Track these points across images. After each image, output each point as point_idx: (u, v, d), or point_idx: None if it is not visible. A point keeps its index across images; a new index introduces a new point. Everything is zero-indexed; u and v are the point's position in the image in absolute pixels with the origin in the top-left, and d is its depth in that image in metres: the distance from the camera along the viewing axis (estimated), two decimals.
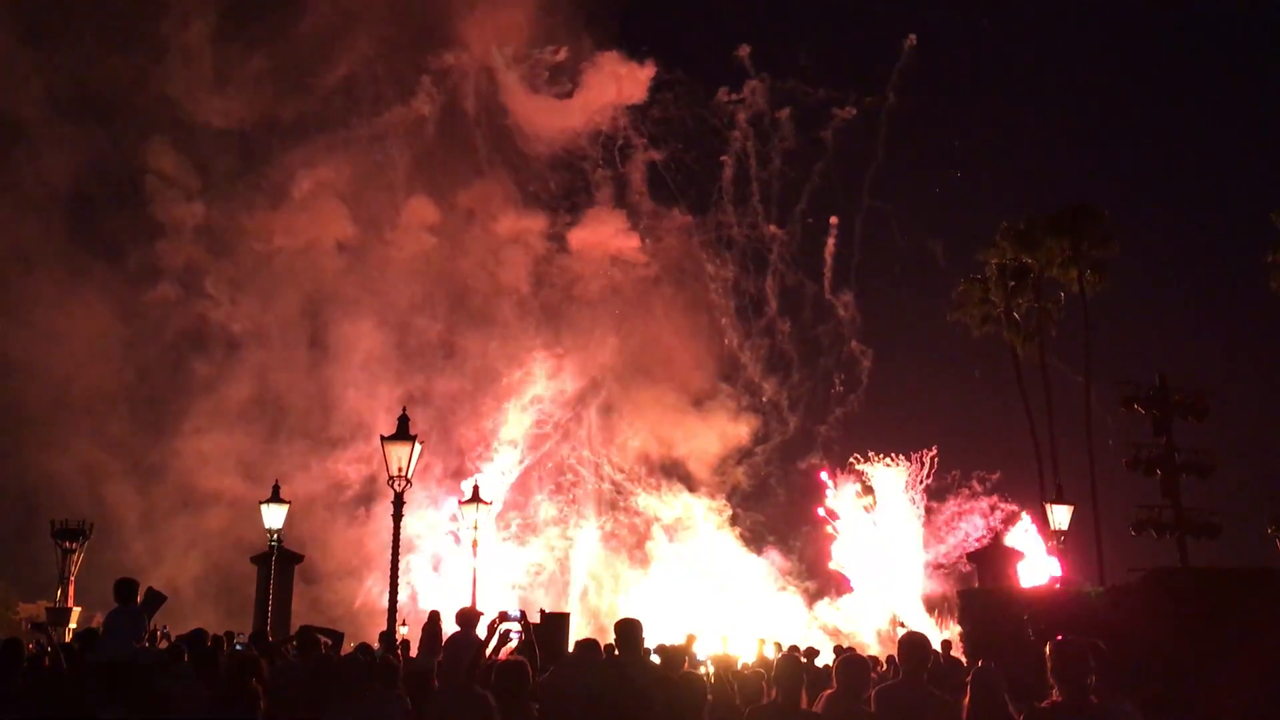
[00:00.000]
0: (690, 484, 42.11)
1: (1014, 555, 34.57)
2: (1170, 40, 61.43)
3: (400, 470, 15.80)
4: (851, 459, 39.99)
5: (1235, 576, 23.19)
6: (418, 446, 16.26)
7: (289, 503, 22.39)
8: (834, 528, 39.77)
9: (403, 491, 15.80)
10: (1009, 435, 39.48)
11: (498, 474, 40.09)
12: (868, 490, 39.64)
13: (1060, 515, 26.66)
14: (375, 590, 38.40)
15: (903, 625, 35.62)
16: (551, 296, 44.48)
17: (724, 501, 41.72)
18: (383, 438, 16.27)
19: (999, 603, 25.40)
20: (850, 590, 38.89)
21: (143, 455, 40.22)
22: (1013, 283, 39.51)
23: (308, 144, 43.66)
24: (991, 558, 33.77)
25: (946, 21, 52.54)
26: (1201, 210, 58.86)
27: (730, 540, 40.88)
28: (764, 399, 44.38)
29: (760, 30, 47.65)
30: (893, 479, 39.47)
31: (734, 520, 41.42)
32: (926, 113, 50.52)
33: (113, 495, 38.19)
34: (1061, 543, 27.36)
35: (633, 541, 41.41)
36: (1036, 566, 35.13)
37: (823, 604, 39.05)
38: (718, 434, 42.51)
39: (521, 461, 41.69)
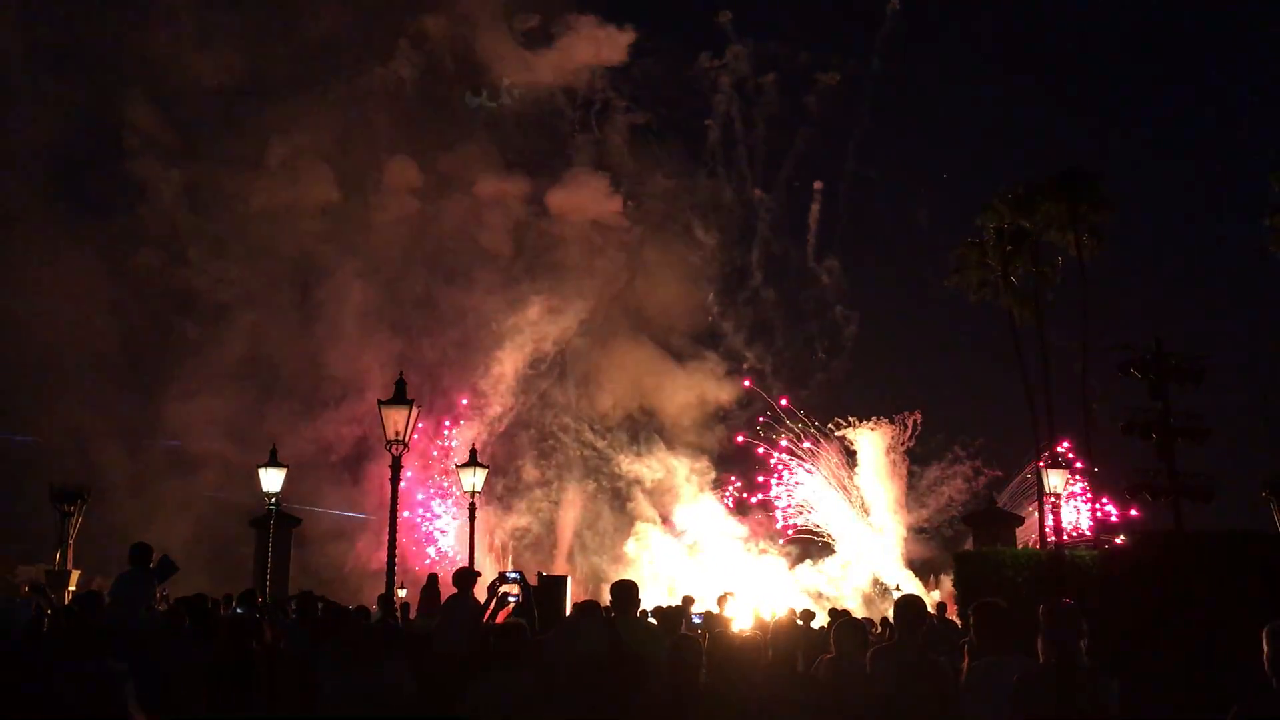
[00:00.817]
0: (671, 444, 42.21)
1: (1009, 518, 34.85)
2: (1168, 2, 60.96)
3: (398, 434, 15.79)
4: (832, 423, 40.19)
5: (1223, 540, 23.41)
6: (415, 410, 16.23)
7: (286, 466, 22.36)
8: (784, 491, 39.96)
9: (400, 455, 15.80)
10: (1001, 399, 39.65)
11: (482, 435, 40.29)
12: (848, 454, 39.81)
13: (1055, 479, 26.79)
14: (365, 553, 38.75)
15: (886, 587, 35.83)
16: (533, 258, 44.31)
17: (706, 463, 41.84)
18: (380, 402, 16.22)
19: (993, 565, 25.65)
20: (833, 553, 39.03)
21: (131, 417, 40.32)
22: (1010, 247, 39.38)
23: (289, 105, 43.43)
24: (986, 520, 34.06)
25: None
26: (1199, 173, 58.76)
27: (712, 502, 41.01)
28: (745, 365, 44.41)
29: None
30: (876, 442, 39.60)
31: (716, 483, 41.59)
32: (913, 79, 50.36)
33: (101, 457, 38.25)
34: (1054, 506, 27.51)
35: (616, 505, 41.62)
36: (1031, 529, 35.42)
37: (804, 566, 39.20)
38: (698, 395, 42.61)
39: (503, 420, 41.80)
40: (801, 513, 39.53)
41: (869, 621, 20.35)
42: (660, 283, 43.93)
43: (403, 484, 16.49)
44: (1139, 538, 26.38)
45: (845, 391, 42.80)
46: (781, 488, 40.16)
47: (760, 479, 40.58)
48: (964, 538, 39.11)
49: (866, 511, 39.42)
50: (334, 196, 43.32)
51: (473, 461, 23.91)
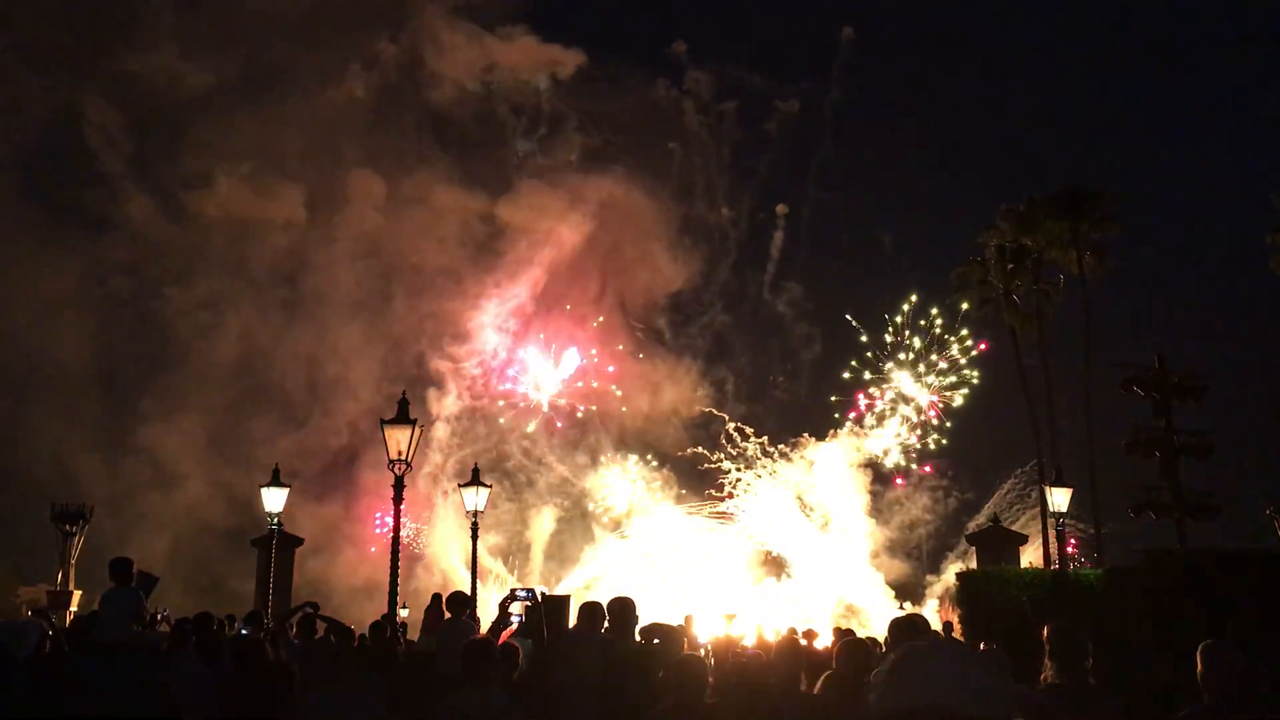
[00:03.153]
0: (641, 452, 42.36)
1: (1013, 537, 34.72)
2: (1170, 20, 61.23)
3: (400, 454, 15.80)
4: (790, 442, 40.41)
5: (1232, 559, 23.30)
6: (418, 430, 16.25)
7: (289, 485, 22.37)
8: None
9: (403, 475, 15.81)
10: (1004, 419, 39.65)
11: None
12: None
13: (1060, 498, 26.70)
14: (348, 567, 38.77)
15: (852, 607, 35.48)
16: (490, 274, 44.31)
17: (667, 472, 41.84)
18: (382, 421, 16.24)
19: (998, 585, 25.52)
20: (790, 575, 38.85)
21: (109, 432, 40.54)
22: (1012, 265, 39.47)
23: (249, 116, 43.71)
24: (990, 539, 33.91)
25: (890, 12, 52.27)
26: (1201, 191, 58.83)
27: (678, 516, 40.91)
28: (711, 381, 44.55)
29: (695, 28, 47.58)
30: (838, 455, 39.63)
31: (679, 500, 41.57)
32: (876, 103, 50.84)
33: (80, 473, 38.51)
34: (1061, 525, 27.41)
35: (583, 525, 41.66)
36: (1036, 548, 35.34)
37: (769, 582, 39.06)
38: (661, 405, 42.77)
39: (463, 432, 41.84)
40: (753, 538, 39.55)
41: (873, 641, 20.25)
42: (620, 300, 44.24)
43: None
44: (1144, 556, 26.24)
45: (809, 412, 42.92)
46: (735, 503, 40.36)
47: (715, 493, 40.82)
48: (940, 556, 39.35)
49: (827, 528, 39.59)
50: (298, 211, 43.64)
51: (475, 480, 23.88)
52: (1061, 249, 39.29)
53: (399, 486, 15.70)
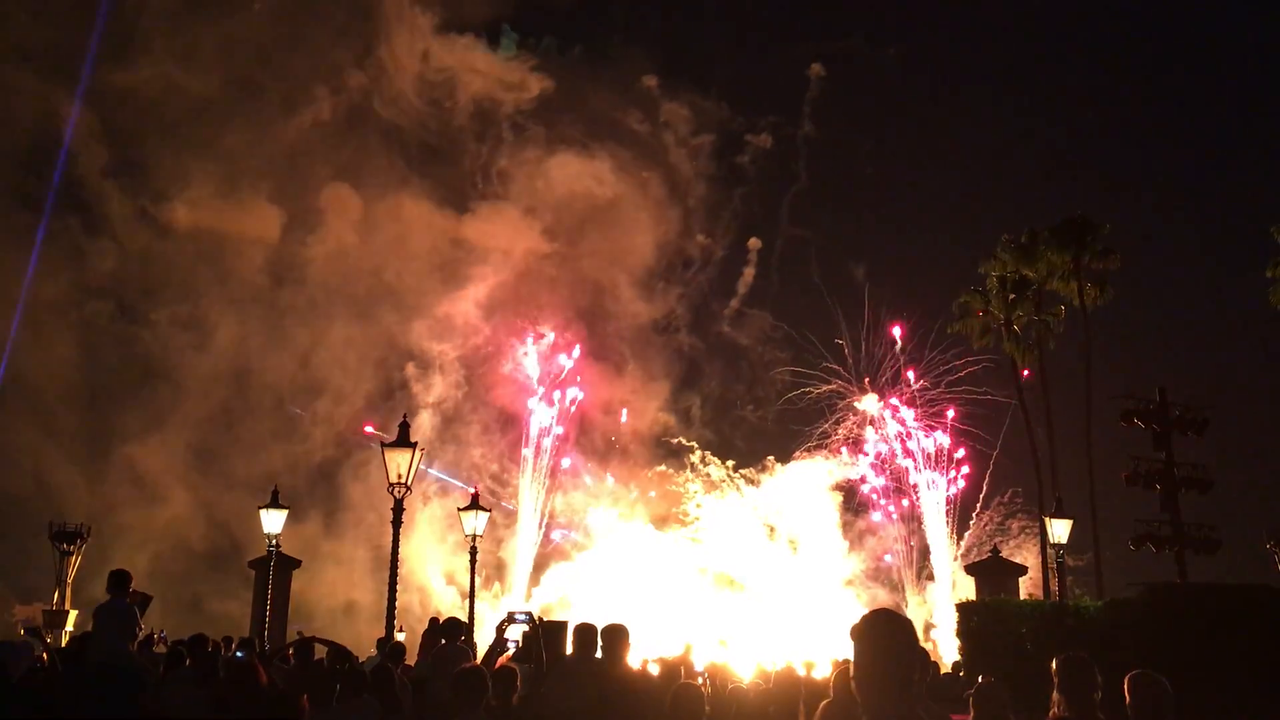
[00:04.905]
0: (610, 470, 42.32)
1: (1013, 568, 34.59)
2: (1171, 53, 61.64)
3: (400, 477, 15.79)
4: (759, 464, 40.57)
5: (1234, 593, 23.19)
6: (419, 453, 16.25)
7: (288, 508, 22.34)
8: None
9: (403, 498, 15.78)
10: (1010, 449, 39.49)
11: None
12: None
13: (1060, 529, 26.65)
14: (333, 584, 38.66)
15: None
16: (462, 293, 44.28)
17: (639, 499, 41.72)
18: (383, 444, 16.28)
19: (998, 616, 25.40)
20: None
21: (89, 447, 40.60)
22: (1013, 295, 39.58)
23: (230, 132, 44.10)
24: (990, 570, 33.79)
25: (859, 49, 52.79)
26: (1201, 224, 59.00)
27: (649, 538, 40.81)
28: (677, 408, 44.59)
29: (665, 64, 47.88)
30: (809, 475, 39.67)
31: (648, 516, 41.52)
32: (850, 137, 51.31)
33: (59, 488, 38.54)
34: (1061, 556, 27.33)
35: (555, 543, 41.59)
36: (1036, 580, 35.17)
37: (738, 604, 38.89)
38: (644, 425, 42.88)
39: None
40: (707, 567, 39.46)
41: None
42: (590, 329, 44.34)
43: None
44: (1144, 589, 26.13)
45: (779, 438, 42.94)
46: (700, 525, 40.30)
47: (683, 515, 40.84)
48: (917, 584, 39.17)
49: (795, 551, 39.49)
50: (276, 227, 43.82)
51: (474, 505, 23.86)
52: (1063, 280, 39.38)
53: (398, 510, 15.69)
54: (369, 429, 41.35)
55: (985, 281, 40.31)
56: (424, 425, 39.98)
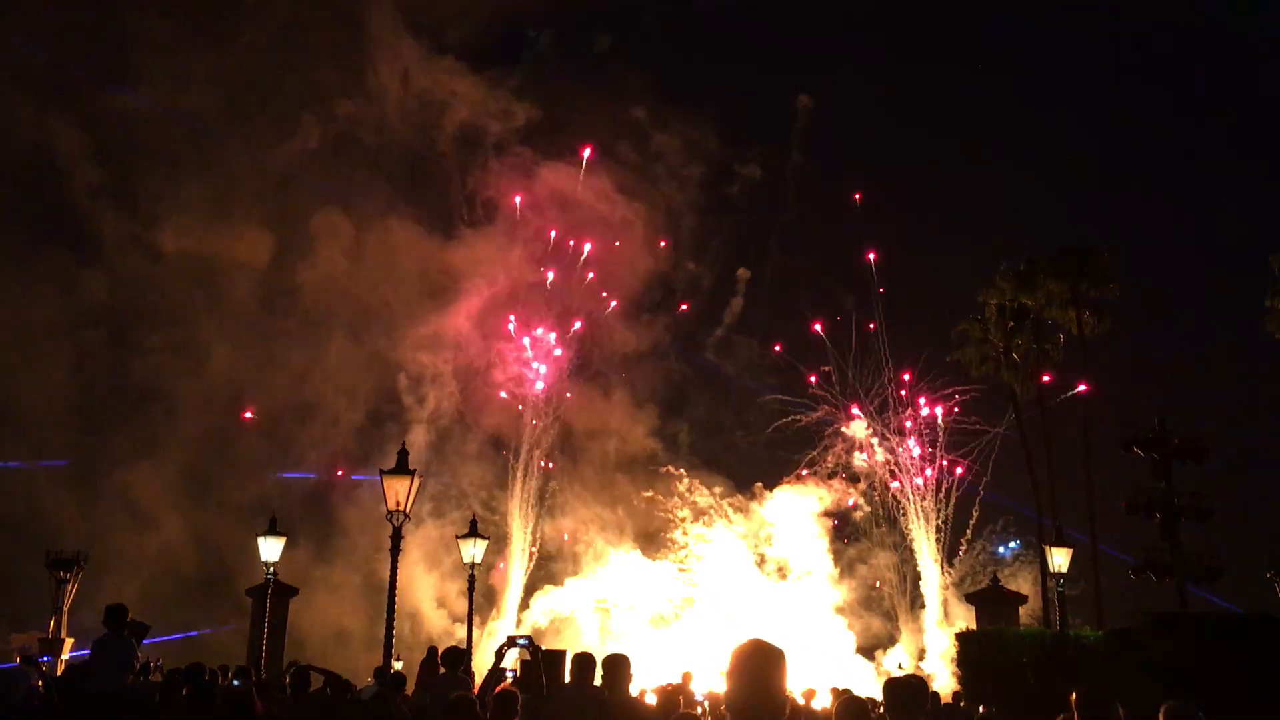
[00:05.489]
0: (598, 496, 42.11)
1: (1012, 597, 34.43)
2: (1168, 85, 62.08)
3: (399, 505, 15.73)
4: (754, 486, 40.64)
5: (1235, 622, 23.14)
6: (417, 480, 16.19)
7: (285, 535, 22.24)
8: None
9: (400, 525, 15.72)
10: (1014, 477, 39.43)
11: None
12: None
13: (1060, 558, 26.52)
14: (318, 611, 38.47)
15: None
16: (451, 318, 43.98)
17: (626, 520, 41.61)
18: (382, 471, 16.20)
19: (998, 645, 25.32)
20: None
21: (82, 472, 40.34)
22: (1011, 323, 39.63)
23: (223, 157, 44.32)
24: (990, 599, 33.63)
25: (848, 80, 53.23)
26: (1200, 253, 59.21)
27: (634, 563, 40.50)
28: (665, 434, 44.43)
29: (652, 95, 48.21)
30: (798, 503, 39.58)
31: (635, 544, 41.26)
32: (840, 167, 51.68)
33: (52, 514, 38.33)
34: (1062, 585, 27.20)
35: (544, 568, 41.38)
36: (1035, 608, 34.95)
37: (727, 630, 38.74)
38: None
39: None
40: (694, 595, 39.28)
41: (872, 701, 20.05)
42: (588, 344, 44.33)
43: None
44: (1146, 618, 26.05)
45: (770, 464, 42.78)
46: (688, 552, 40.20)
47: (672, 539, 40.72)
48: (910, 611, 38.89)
49: (783, 576, 39.34)
50: (266, 252, 43.61)
51: (473, 532, 23.77)
52: (1061, 308, 39.47)
53: (396, 538, 15.61)
54: (339, 474, 41.85)
55: (984, 310, 40.40)
56: (418, 441, 40.08)
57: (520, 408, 41.98)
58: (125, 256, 42.71)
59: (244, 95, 44.23)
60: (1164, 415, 28.11)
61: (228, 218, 43.39)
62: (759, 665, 3.83)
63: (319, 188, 44.62)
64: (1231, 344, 46.74)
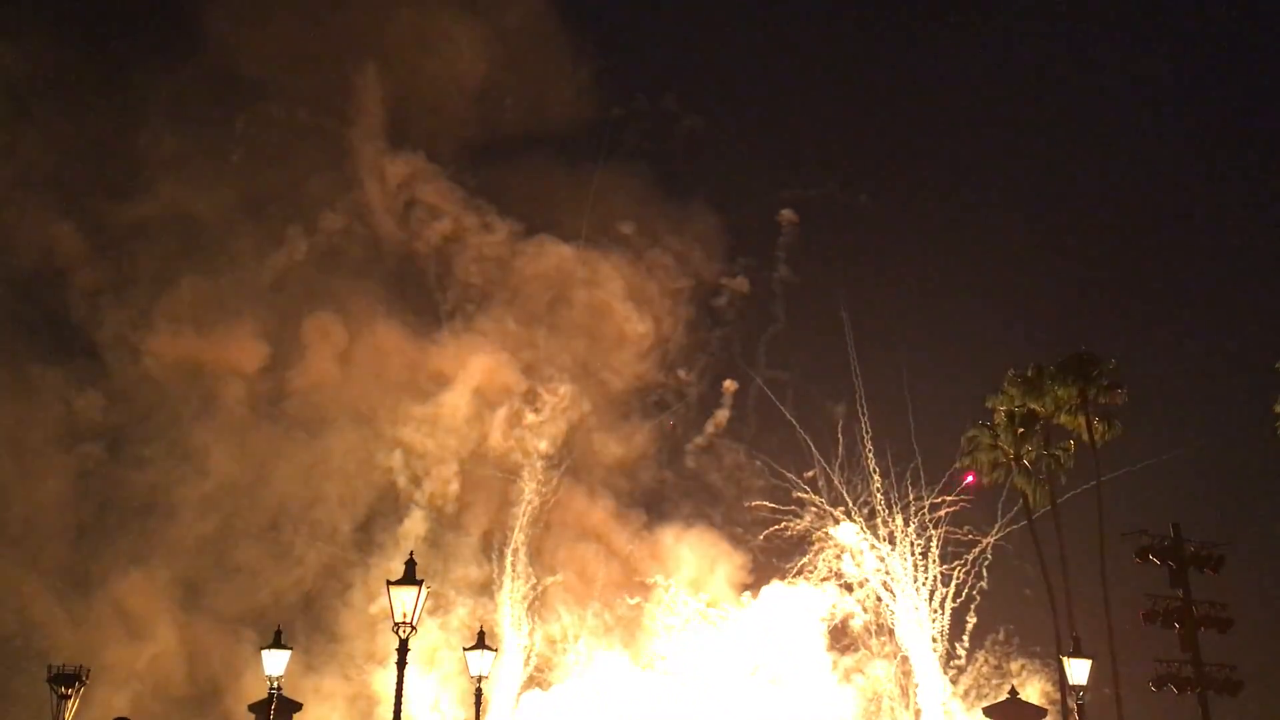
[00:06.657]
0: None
1: (1034, 711, 33.63)
2: (1174, 192, 62.70)
3: (405, 616, 15.57)
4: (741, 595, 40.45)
5: None
6: (424, 590, 16.06)
7: (290, 648, 22.00)
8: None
9: (407, 638, 15.55)
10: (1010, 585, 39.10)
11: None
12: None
13: (1079, 669, 25.95)
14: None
15: None
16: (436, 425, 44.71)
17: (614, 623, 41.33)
18: (389, 582, 16.11)
19: None
20: None
21: (75, 583, 40.21)
22: (1021, 430, 39.69)
23: (219, 264, 45.34)
24: (1010, 713, 32.83)
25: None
26: (1209, 358, 59.09)
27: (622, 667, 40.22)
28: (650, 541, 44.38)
29: (638, 209, 49.42)
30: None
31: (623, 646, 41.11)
32: (821, 282, 52.13)
33: (44, 626, 38.01)
34: (1082, 699, 26.54)
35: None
36: None
37: None
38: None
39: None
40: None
41: None
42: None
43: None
44: None
45: (758, 570, 42.84)
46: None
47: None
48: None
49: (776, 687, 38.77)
50: (259, 359, 44.46)
51: (480, 644, 23.51)
52: (1070, 414, 39.60)
53: (403, 651, 15.44)
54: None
55: (993, 416, 40.47)
56: (415, 524, 39.87)
57: (513, 509, 42.09)
58: (122, 364, 43.41)
59: (237, 208, 45.68)
60: (1178, 522, 27.78)
61: (222, 324, 44.31)
62: None
63: (310, 292, 45.80)
64: (1244, 450, 46.39)
